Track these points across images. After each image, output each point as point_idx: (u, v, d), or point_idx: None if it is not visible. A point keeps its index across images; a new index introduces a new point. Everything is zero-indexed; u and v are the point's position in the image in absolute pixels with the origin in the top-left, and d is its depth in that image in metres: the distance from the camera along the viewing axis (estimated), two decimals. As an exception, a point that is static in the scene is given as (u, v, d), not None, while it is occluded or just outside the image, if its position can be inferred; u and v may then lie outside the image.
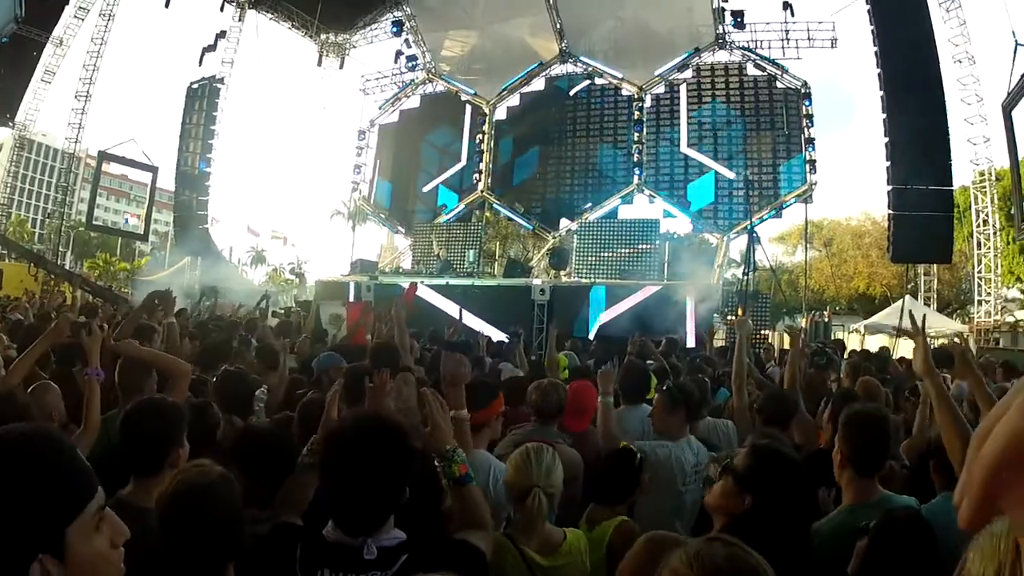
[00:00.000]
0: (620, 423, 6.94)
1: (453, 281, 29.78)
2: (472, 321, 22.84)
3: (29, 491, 1.83)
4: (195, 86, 44.58)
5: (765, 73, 35.40)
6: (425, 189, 42.67)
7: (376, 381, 5.25)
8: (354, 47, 48.15)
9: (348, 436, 3.23)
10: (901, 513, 3.98)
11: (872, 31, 29.79)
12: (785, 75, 34.97)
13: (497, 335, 19.76)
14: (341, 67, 48.77)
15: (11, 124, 45.08)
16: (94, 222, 50.83)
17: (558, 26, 37.16)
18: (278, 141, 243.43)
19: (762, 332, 27.34)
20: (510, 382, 8.04)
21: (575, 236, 34.75)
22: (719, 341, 23.04)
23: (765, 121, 35.23)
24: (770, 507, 3.84)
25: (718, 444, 6.55)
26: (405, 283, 28.20)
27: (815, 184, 33.51)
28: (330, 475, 3.18)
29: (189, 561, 3.04)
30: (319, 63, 48.48)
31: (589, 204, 37.42)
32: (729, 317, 27.70)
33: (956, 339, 27.07)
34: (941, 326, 33.58)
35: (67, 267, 45.38)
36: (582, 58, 38.63)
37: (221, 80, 44.75)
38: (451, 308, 27.14)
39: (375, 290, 29.52)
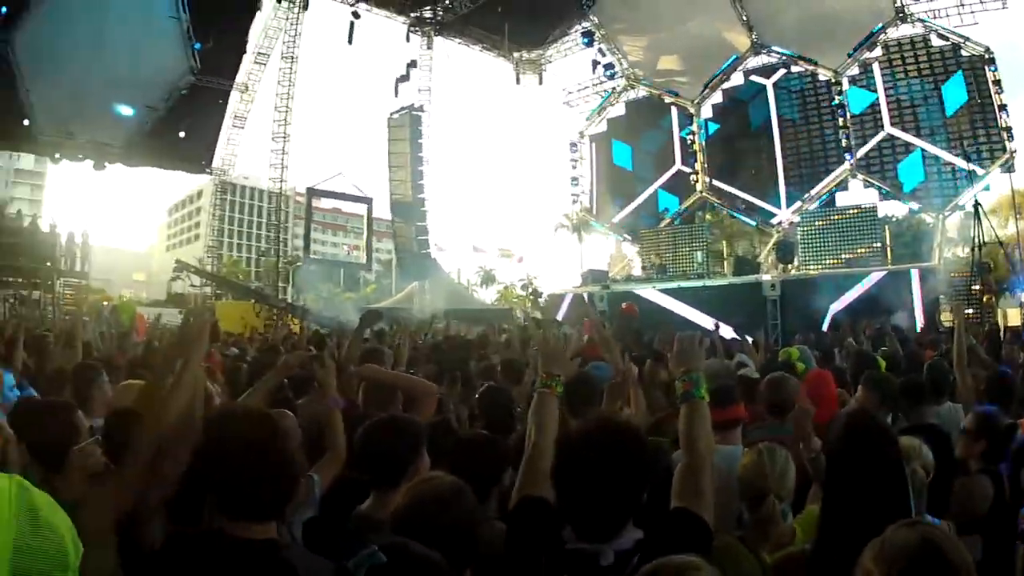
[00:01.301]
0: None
1: (684, 284, 30.91)
2: (703, 320, 24.77)
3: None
4: (395, 116, 47.62)
5: (949, 43, 36.23)
6: (645, 195, 44.27)
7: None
8: (549, 62, 50.40)
9: (582, 445, 3.36)
10: None
11: None
12: (968, 43, 35.56)
13: (732, 335, 19.66)
14: (540, 83, 51.05)
15: (208, 171, 48.28)
16: (312, 256, 54.18)
17: (744, 18, 39.33)
18: (490, 160, 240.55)
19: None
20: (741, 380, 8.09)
21: (798, 228, 34.89)
22: (947, 322, 23.71)
23: (958, 91, 35.62)
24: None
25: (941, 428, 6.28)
26: (638, 289, 31.56)
27: (1015, 152, 33.62)
28: (565, 484, 3.33)
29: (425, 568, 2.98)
30: (517, 81, 50.83)
31: (807, 195, 39.18)
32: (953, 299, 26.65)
33: None
34: None
35: (288, 301, 47.39)
36: (774, 48, 40.15)
37: (421, 108, 47.76)
38: (682, 310, 29.32)
39: (608, 299, 30.85)
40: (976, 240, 26.69)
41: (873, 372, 7.72)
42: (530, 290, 55.86)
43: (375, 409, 5.63)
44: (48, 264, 38.47)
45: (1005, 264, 28.98)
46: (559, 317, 32.05)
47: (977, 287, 27.27)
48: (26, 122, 38.14)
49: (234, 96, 45.94)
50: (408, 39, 47.51)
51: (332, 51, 56.33)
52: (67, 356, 8.45)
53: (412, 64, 47.50)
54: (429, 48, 48.37)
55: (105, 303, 31.22)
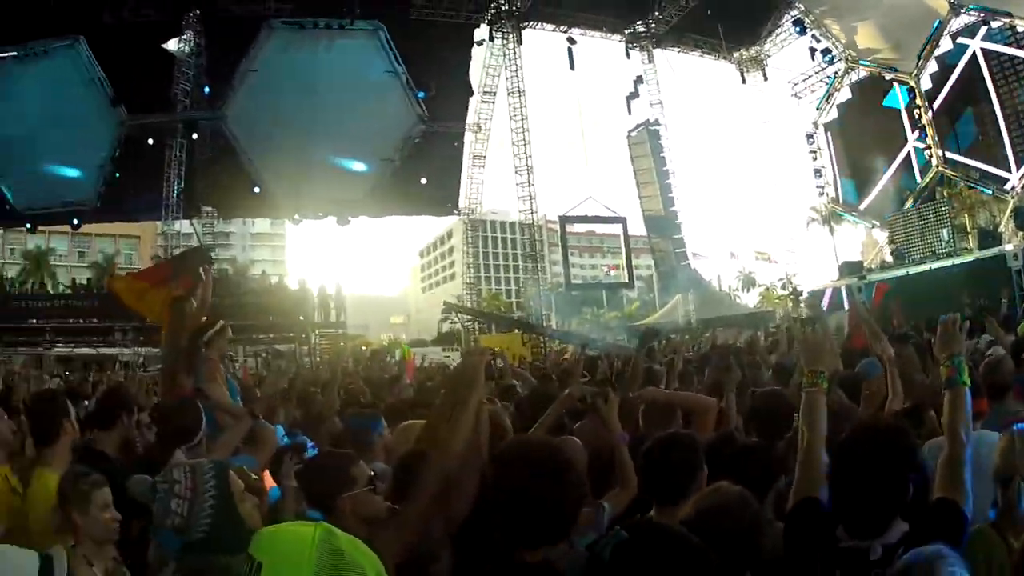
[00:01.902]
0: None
1: (934, 265, 31.90)
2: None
3: None
4: (633, 133, 49.88)
5: None
6: (884, 178, 45.61)
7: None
8: (768, 56, 52.02)
9: (853, 447, 3.56)
10: None
11: None
12: None
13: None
14: (765, 79, 52.68)
15: (456, 211, 51.92)
16: (573, 280, 55.29)
17: None
18: (728, 165, 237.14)
19: None
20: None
21: None
22: None
23: None
24: None
25: None
26: (894, 274, 32.54)
27: None
28: (840, 484, 3.52)
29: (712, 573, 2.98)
30: (743, 80, 52.64)
31: None
32: None
33: None
34: None
35: (554, 327, 49.46)
36: (972, 6, 39.50)
37: (656, 121, 49.95)
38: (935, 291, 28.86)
39: (865, 290, 31.56)
40: None
41: None
42: (790, 289, 55.82)
43: (655, 430, 5.61)
44: (301, 318, 41.52)
45: None
46: (824, 309, 32.51)
47: None
48: (256, 189, 42.30)
49: (468, 136, 49.09)
50: (628, 55, 49.59)
51: (558, 79, 57.26)
52: (329, 403, 8.57)
53: (639, 79, 49.44)
54: (651, 61, 50.30)
55: (364, 347, 32.17)
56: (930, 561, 2.73)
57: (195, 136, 40.23)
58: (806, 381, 4.15)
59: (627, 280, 56.22)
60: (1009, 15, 38.13)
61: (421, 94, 43.03)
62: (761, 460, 4.94)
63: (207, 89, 40.15)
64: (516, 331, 44.09)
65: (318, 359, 35.30)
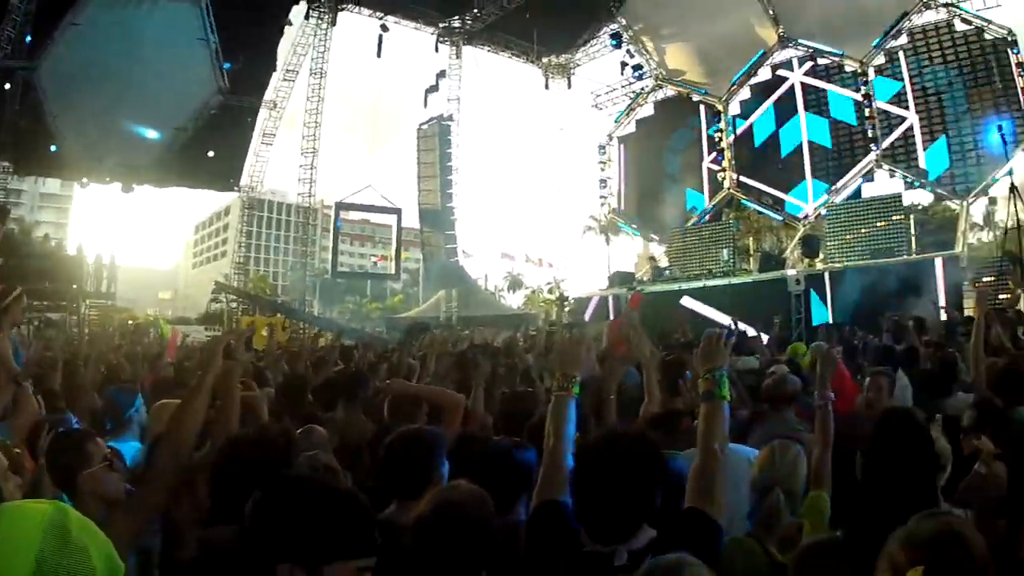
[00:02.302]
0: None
1: (710, 283, 31.97)
2: (726, 320, 24.12)
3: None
4: (424, 127, 49.25)
5: (972, 27, 36.43)
6: (672, 194, 45.20)
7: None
8: (578, 65, 52.21)
9: (597, 453, 3.57)
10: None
11: None
12: (991, 26, 35.88)
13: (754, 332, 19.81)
14: (569, 87, 52.88)
15: (236, 188, 49.91)
16: (340, 268, 53.59)
17: (771, 12, 40.17)
18: (518, 167, 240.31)
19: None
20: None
21: (824, 221, 36.68)
22: (969, 311, 23.17)
23: (982, 76, 35.78)
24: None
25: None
26: (665, 290, 32.29)
27: None
28: (581, 489, 3.54)
29: (444, 570, 3.39)
30: (546, 86, 52.60)
31: (833, 187, 39.40)
32: (977, 284, 26.08)
33: None
34: None
35: (315, 314, 50.38)
36: (800, 41, 40.52)
37: (450, 117, 49.48)
38: (707, 311, 30.22)
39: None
40: (1008, 224, 27.42)
41: (886, 368, 8.42)
42: (556, 294, 55.73)
43: (401, 422, 5.68)
44: (75, 287, 39.80)
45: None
46: (586, 319, 33.34)
47: (1001, 274, 27.39)
48: (53, 148, 39.57)
49: (263, 113, 47.68)
50: (437, 49, 49.02)
51: (362, 65, 56.26)
52: (90, 378, 8.67)
53: (441, 74, 49.18)
54: (458, 57, 50.18)
55: (130, 321, 32.92)
56: (671, 568, 2.76)
57: (7, 86, 37.35)
58: (557, 384, 4.31)
59: (393, 272, 56.70)
60: (840, 55, 39.42)
61: (227, 65, 41.82)
62: (511, 462, 4.75)
63: (29, 38, 37.58)
64: (279, 315, 43.81)
65: (86, 331, 34.02)
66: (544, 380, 9.46)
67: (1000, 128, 30.90)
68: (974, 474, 5.25)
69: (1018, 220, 26.35)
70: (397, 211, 51.05)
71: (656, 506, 3.46)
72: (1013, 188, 27.04)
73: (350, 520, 2.70)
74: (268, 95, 47.22)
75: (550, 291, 66.85)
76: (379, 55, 47.41)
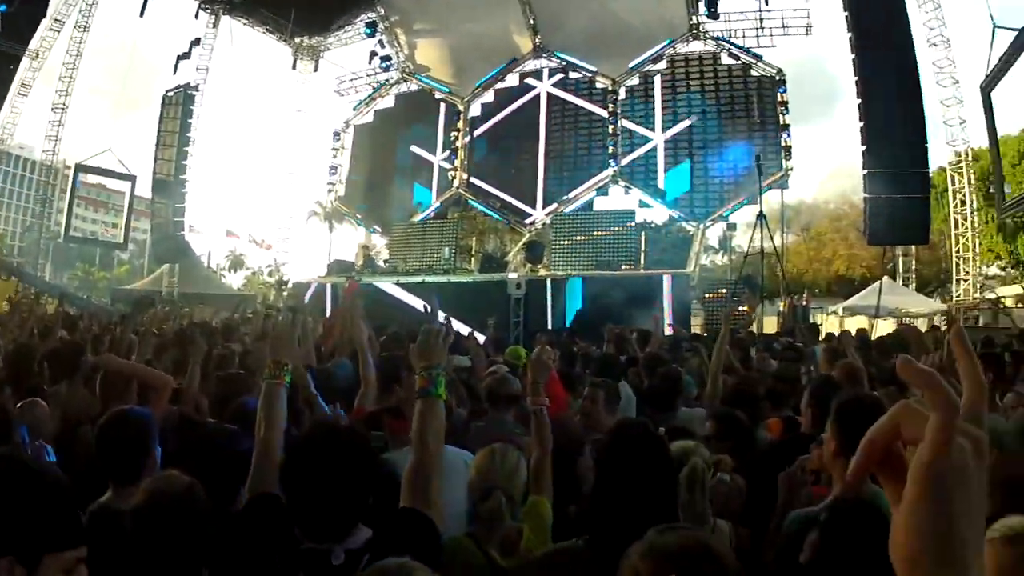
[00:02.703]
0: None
1: (429, 279, 31.10)
2: (442, 315, 23.08)
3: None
4: (170, 94, 47.60)
5: (739, 62, 38.25)
6: (401, 188, 44.94)
7: None
8: (328, 49, 51.45)
9: (307, 447, 3.46)
10: (848, 504, 3.89)
11: (846, 17, 31.92)
12: (759, 63, 37.65)
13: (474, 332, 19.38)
14: (315, 70, 52.18)
15: None
16: (72, 233, 51.82)
17: (532, 21, 40.49)
18: (254, 145, 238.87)
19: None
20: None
21: (551, 229, 36.99)
22: (696, 328, 25.71)
23: (740, 109, 37.81)
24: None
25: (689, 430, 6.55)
26: (379, 282, 31.47)
27: (791, 170, 35.78)
28: (294, 486, 3.39)
29: (164, 567, 3.36)
30: (294, 67, 51.86)
31: (564, 197, 40.04)
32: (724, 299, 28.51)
33: (942, 321, 28.33)
34: (921, 306, 35.70)
35: (47, 279, 48.11)
36: (556, 53, 41.54)
37: (196, 87, 48.10)
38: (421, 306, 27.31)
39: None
40: (750, 249, 28.85)
41: (603, 379, 8.15)
42: (276, 278, 54.76)
43: (113, 402, 5.39)
44: None
45: (768, 275, 29.48)
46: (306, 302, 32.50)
47: (734, 295, 28.36)
48: None
49: (24, 63, 45.15)
50: (197, 15, 47.57)
51: (121, 23, 54.36)
52: None
53: (196, 42, 47.88)
54: (215, 27, 48.59)
55: None
56: (395, 572, 2.73)
57: None
58: (268, 372, 4.15)
59: (122, 241, 55.54)
60: (593, 72, 40.55)
61: (3, 8, 38.67)
62: (229, 449, 4.37)
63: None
64: (13, 278, 40.97)
65: None
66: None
67: (758, 158, 31.27)
68: (719, 482, 5.24)
69: (762, 247, 27.33)
70: (132, 178, 49.53)
71: (369, 504, 3.37)
72: (761, 216, 27.89)
73: (55, 507, 2.25)
74: (33, 44, 44.81)
75: (270, 274, 66.00)
76: (142, 15, 45.33)
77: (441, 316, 20.71)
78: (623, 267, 31.67)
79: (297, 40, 50.02)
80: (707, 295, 29.84)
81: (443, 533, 3.56)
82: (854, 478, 1.17)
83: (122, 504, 3.74)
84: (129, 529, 3.35)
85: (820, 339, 17.12)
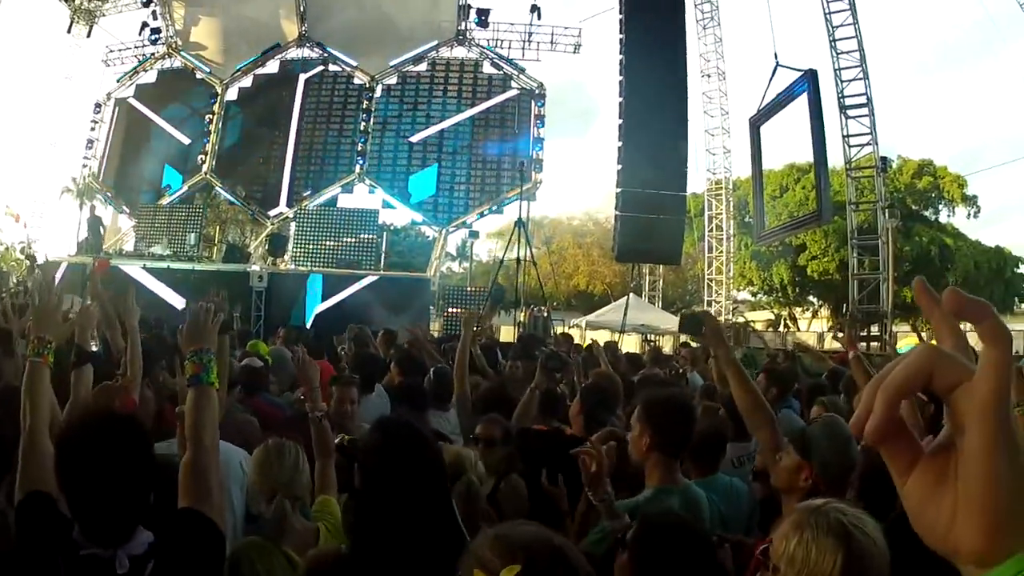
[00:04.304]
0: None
1: (174, 265, 30.90)
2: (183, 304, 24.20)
3: None
4: None
5: (501, 72, 38.91)
6: (152, 168, 43.12)
7: None
8: (104, 15, 48.79)
9: (81, 437, 3.17)
10: (658, 519, 3.95)
11: (621, 39, 31.79)
12: (522, 75, 38.22)
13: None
14: (88, 35, 49.10)
15: None
16: None
17: (301, 9, 40.25)
18: (18, 111, 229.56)
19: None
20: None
21: (293, 223, 37.50)
22: (435, 333, 25.72)
23: (495, 118, 38.14)
24: None
25: (448, 436, 7.25)
26: (125, 265, 30.32)
27: (540, 183, 36.26)
28: (68, 483, 3.12)
29: None
30: (69, 30, 48.85)
31: (309, 191, 39.29)
32: (451, 309, 29.78)
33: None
34: (668, 323, 36.54)
35: None
36: (320, 43, 40.87)
37: None
38: (168, 294, 28.69)
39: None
40: (506, 255, 29.02)
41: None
42: (27, 254, 53.56)
43: None
44: None
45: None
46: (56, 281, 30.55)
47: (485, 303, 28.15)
48: None
49: None
50: None
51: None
52: None
53: None
54: None
55: None
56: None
57: None
58: (31, 350, 3.93)
59: None
60: (353, 66, 40.43)
61: None
62: None
63: None
64: None
65: None
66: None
67: (522, 164, 32.13)
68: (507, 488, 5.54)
69: (518, 254, 27.42)
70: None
71: (148, 504, 3.16)
72: (520, 222, 28.14)
73: None
74: None
75: (22, 251, 64.57)
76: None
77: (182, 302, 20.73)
78: (364, 267, 31.80)
79: (77, 2, 47.63)
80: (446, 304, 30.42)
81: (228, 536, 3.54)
82: (875, 435, 1.05)
83: None
84: None
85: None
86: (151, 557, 3.01)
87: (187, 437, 3.51)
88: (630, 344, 32.01)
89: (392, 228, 38.82)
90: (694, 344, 16.29)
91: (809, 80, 29.08)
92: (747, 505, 5.78)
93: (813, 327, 52.30)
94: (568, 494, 5.09)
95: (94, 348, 6.21)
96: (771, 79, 31.23)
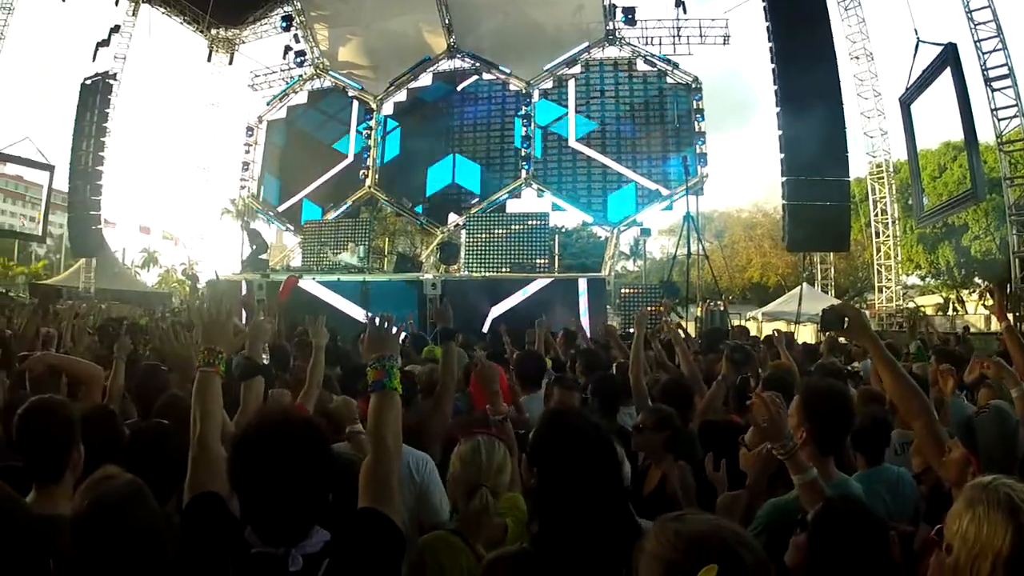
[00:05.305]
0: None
1: (345, 278, 30.87)
2: (360, 315, 24.81)
3: None
4: (89, 82, 46.34)
5: (655, 68, 38.38)
6: (313, 186, 43.95)
7: None
8: (244, 42, 51.01)
9: (258, 440, 3.13)
10: (841, 504, 3.91)
11: (767, 27, 31.58)
12: (676, 71, 37.83)
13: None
14: (230, 63, 51.44)
15: None
16: (-12, 225, 49.55)
17: (447, 21, 40.43)
18: (169, 138, 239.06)
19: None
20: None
21: (463, 231, 37.58)
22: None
23: (655, 115, 37.90)
24: None
25: (627, 430, 6.84)
26: (301, 281, 30.10)
27: (706, 177, 35.76)
28: (243, 484, 3.11)
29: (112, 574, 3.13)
30: (209, 59, 51.21)
31: (476, 199, 39.85)
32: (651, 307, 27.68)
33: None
34: None
35: None
36: (470, 53, 41.53)
37: (114, 76, 46.86)
38: (342, 304, 28.79)
39: (267, 288, 30.04)
40: (677, 251, 29.03)
41: (564, 375, 8.70)
42: (191, 275, 54.27)
43: (41, 393, 4.76)
44: None
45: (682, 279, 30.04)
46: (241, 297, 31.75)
47: (661, 299, 28.35)
48: None
49: None
50: (117, 3, 46.33)
51: (46, 8, 53.74)
52: None
53: (115, 29, 46.60)
54: (134, 15, 47.57)
55: None
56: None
57: None
58: (202, 359, 3.94)
59: (40, 234, 53.02)
60: (507, 73, 40.52)
61: None
62: (163, 446, 4.36)
63: None
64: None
65: None
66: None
67: (686, 159, 32.10)
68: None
69: (688, 248, 27.56)
70: (50, 168, 47.53)
71: (327, 503, 3.12)
72: (688, 216, 28.44)
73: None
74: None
75: (184, 272, 65.57)
76: (63, -1, 44.76)
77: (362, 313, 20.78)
78: (537, 270, 31.63)
79: (213, 32, 49.60)
80: (625, 290, 30.41)
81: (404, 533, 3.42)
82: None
83: (51, 508, 3.57)
84: (74, 540, 3.10)
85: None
86: (326, 555, 3.03)
87: (369, 440, 3.60)
88: (805, 335, 31.07)
89: (563, 230, 37.96)
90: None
91: (949, 54, 28.76)
92: (913, 497, 5.54)
93: (981, 310, 49.00)
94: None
95: (265, 361, 6.09)
96: (915, 56, 30.77)
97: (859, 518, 3.64)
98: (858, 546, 3.51)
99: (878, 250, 39.90)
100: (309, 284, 30.21)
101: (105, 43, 45.94)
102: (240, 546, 3.03)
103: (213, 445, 3.51)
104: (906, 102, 32.23)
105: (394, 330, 3.94)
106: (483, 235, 34.45)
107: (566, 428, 3.72)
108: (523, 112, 39.19)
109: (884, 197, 39.77)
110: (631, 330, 13.39)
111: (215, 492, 3.32)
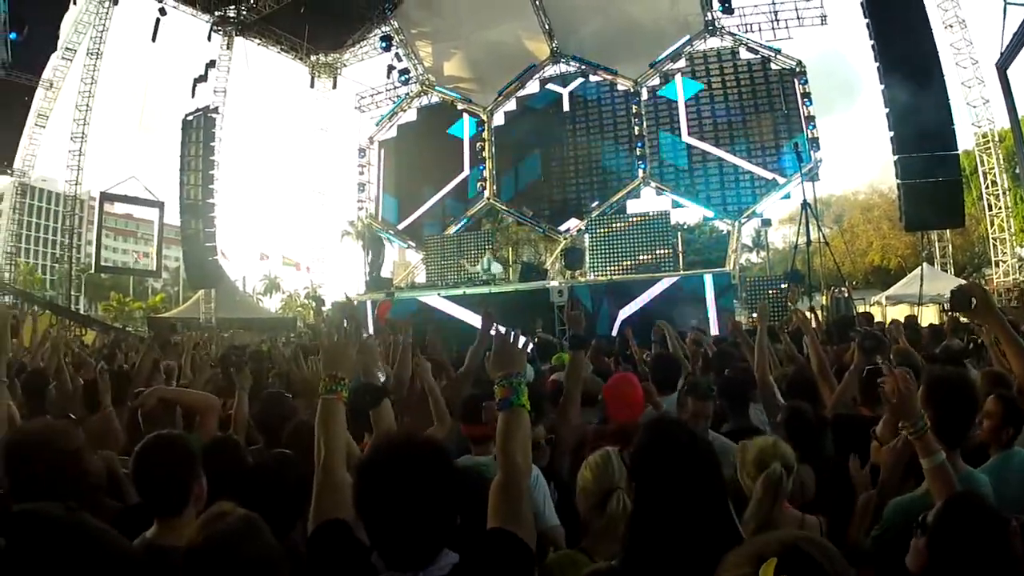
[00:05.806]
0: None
1: (470, 291, 30.49)
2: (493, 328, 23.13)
3: None
4: (190, 118, 47.60)
5: (758, 56, 38.30)
6: (431, 201, 44.61)
7: None
8: (345, 65, 51.84)
9: (382, 464, 3.09)
10: (963, 504, 3.68)
11: (862, 4, 31.94)
12: (778, 56, 37.68)
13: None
14: (334, 87, 52.28)
15: (10, 172, 47.55)
16: (103, 263, 51.35)
17: (547, 27, 40.87)
18: (279, 166, 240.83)
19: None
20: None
21: (586, 235, 37.35)
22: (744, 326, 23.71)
23: (763, 103, 37.63)
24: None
25: (760, 428, 6.95)
26: (423, 297, 30.62)
27: (820, 161, 35.62)
28: (367, 510, 3.07)
29: None
30: (312, 85, 51.82)
31: (596, 202, 40.21)
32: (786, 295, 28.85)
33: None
34: None
35: (80, 311, 47.15)
36: (574, 56, 41.59)
37: (215, 109, 48.11)
38: (468, 317, 28.35)
39: (393, 307, 30.55)
40: (797, 240, 27.63)
41: (696, 378, 8.35)
42: (313, 299, 54.61)
43: (154, 427, 4.88)
44: None
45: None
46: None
47: (784, 287, 29.13)
48: None
49: (39, 93, 45.83)
50: (210, 38, 47.54)
51: (135, 49, 54.35)
52: None
53: (211, 64, 47.69)
54: (229, 48, 48.74)
55: None
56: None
57: None
58: (324, 387, 3.92)
59: (155, 269, 54.46)
60: (614, 72, 40.33)
61: (13, 36, 37.31)
62: (283, 478, 4.35)
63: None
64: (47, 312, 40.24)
65: None
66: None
67: (797, 145, 32.18)
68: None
69: (808, 236, 26.64)
70: (160, 204, 49.60)
71: (455, 525, 3.06)
72: (805, 204, 27.06)
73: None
74: (46, 74, 45.28)
75: (307, 296, 65.97)
76: (154, 39, 44.91)
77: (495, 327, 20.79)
78: (662, 269, 31.41)
79: (313, 58, 50.43)
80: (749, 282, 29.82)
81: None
82: None
83: (172, 540, 3.55)
84: (185, 572, 3.08)
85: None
86: None
87: (499, 459, 3.55)
88: (929, 316, 31.06)
89: (685, 227, 38.36)
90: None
91: (1038, 12, 28.00)
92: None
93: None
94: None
95: (381, 378, 6.33)
96: (1004, 19, 29.79)
97: (982, 519, 3.50)
98: (981, 550, 3.38)
99: (992, 223, 39.02)
100: (434, 299, 30.17)
101: (203, 78, 46.95)
102: (367, 572, 3.08)
103: (338, 472, 3.58)
104: (1002, 67, 31.07)
105: (521, 343, 3.93)
106: (606, 238, 34.17)
107: (661, 440, 3.61)
108: (634, 111, 39.06)
109: (993, 168, 38.66)
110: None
111: (341, 519, 3.36)
